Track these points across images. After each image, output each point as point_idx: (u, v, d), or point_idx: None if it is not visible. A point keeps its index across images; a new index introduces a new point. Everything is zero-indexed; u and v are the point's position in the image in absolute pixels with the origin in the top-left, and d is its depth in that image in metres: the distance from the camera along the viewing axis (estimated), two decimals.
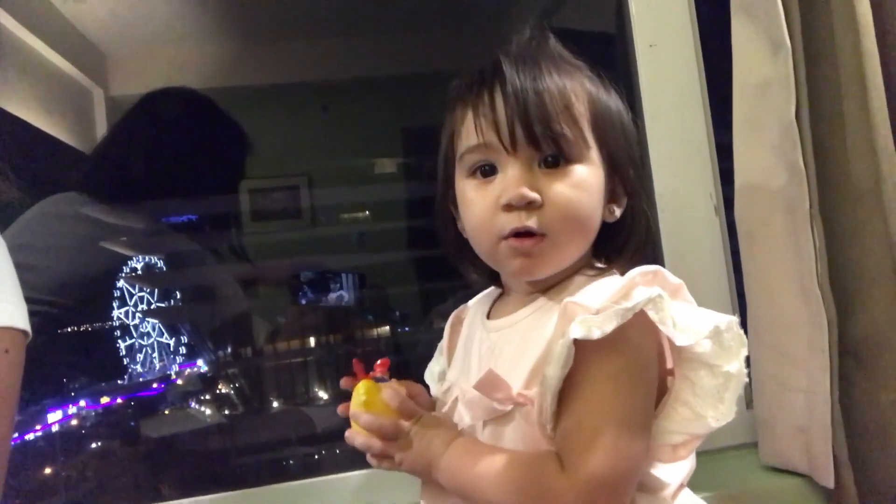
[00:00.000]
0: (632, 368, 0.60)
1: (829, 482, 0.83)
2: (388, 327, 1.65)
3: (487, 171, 0.65)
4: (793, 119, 0.81)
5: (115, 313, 1.31)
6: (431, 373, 0.82)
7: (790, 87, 0.81)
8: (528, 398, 0.61)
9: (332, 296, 1.61)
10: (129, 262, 1.34)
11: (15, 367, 0.63)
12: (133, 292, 1.35)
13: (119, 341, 1.32)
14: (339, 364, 1.59)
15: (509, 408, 0.62)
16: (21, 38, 1.41)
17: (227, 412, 1.40)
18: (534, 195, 0.62)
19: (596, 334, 0.56)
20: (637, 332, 0.59)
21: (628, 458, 0.58)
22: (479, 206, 0.65)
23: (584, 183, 0.64)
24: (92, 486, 1.16)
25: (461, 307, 0.81)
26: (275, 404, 1.48)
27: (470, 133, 0.65)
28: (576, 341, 0.56)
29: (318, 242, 1.82)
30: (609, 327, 0.56)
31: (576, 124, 0.63)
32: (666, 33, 1.03)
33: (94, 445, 1.24)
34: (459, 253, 0.73)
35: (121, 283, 1.33)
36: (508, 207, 0.62)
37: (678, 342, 0.58)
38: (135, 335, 1.35)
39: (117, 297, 1.32)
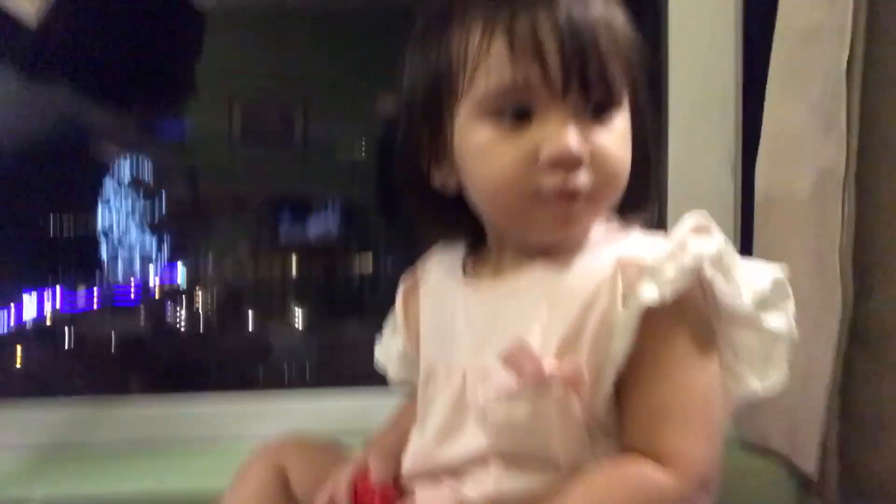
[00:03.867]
0: (703, 333, 0.52)
1: (812, 469, 0.78)
2: (370, 259, 1.58)
3: (520, 115, 0.52)
4: (843, 71, 0.71)
5: (98, 219, 1.28)
6: (387, 354, 0.70)
7: (845, 34, 0.71)
8: (564, 374, 0.50)
9: (317, 223, 1.52)
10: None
11: None
12: (119, 197, 1.31)
13: (102, 245, 1.30)
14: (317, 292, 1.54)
15: (535, 386, 0.51)
16: None
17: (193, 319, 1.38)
18: (586, 152, 0.51)
19: (668, 296, 0.48)
20: (697, 291, 0.52)
21: (719, 438, 0.52)
22: (507, 158, 0.52)
23: (626, 135, 0.54)
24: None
25: (409, 276, 0.69)
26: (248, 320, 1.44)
27: (502, 68, 0.50)
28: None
29: (308, 169, 1.73)
30: (680, 286, 0.48)
31: (621, 64, 0.53)
32: None
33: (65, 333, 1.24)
34: (428, 210, 0.61)
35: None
36: (553, 165, 0.51)
37: (743, 299, 0.51)
38: (117, 242, 1.32)
39: (104, 203, 1.28)
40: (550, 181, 0.51)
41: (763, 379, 0.53)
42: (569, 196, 0.51)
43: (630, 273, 0.50)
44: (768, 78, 0.82)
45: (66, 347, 1.26)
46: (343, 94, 1.50)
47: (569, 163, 0.50)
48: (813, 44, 0.76)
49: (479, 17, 0.52)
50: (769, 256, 0.81)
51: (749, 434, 0.88)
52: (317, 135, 1.52)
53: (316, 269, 1.54)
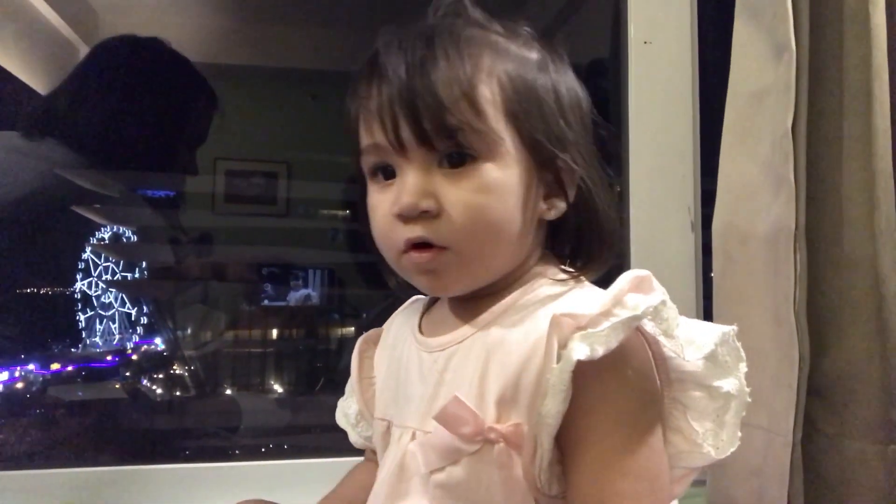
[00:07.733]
0: (643, 395, 0.51)
1: None
2: (353, 329, 1.58)
3: (390, 172, 0.55)
4: (788, 129, 0.73)
5: (78, 284, 1.25)
6: (346, 415, 0.70)
7: (790, 95, 0.74)
8: (501, 434, 0.50)
9: (297, 292, 1.53)
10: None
11: None
12: (98, 262, 1.28)
13: (79, 312, 1.25)
14: (297, 358, 1.52)
15: (477, 447, 0.51)
16: None
17: (170, 392, 1.35)
18: (426, 204, 0.52)
19: (600, 352, 0.46)
20: (638, 349, 0.51)
21: None
22: (379, 213, 0.56)
23: (493, 184, 0.53)
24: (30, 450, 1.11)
25: (370, 332, 0.69)
26: (226, 391, 1.42)
27: (363, 133, 0.57)
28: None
29: (290, 234, 1.75)
30: (614, 342, 0.47)
31: (480, 114, 0.52)
32: (663, 31, 0.96)
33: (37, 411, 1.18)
34: (388, 266, 0.62)
35: (86, 255, 1.26)
36: (402, 218, 0.53)
37: (688, 357, 0.49)
38: (96, 305, 1.28)
39: (81, 269, 1.25)
40: (403, 233, 0.53)
41: (716, 444, 0.52)
42: (417, 246, 0.53)
43: (563, 329, 0.49)
44: (722, 138, 0.84)
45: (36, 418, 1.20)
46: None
47: (406, 214, 0.53)
48: (761, 104, 0.78)
49: (354, 92, 0.57)
50: (728, 310, 0.82)
51: (719, 498, 0.85)
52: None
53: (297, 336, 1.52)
